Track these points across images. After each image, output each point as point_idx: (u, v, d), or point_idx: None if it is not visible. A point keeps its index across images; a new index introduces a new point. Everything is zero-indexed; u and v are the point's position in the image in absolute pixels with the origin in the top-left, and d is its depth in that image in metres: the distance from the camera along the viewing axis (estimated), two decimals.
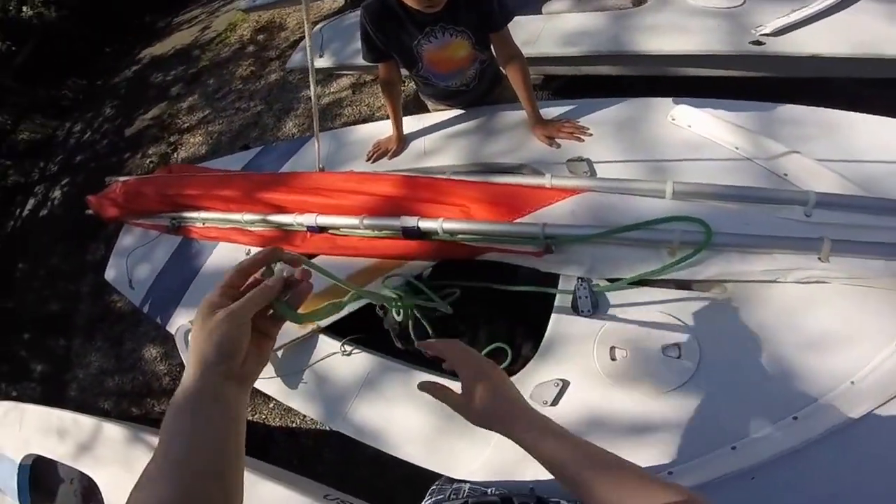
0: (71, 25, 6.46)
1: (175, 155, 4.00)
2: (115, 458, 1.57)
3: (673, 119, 1.25)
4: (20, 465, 1.75)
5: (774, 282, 0.92)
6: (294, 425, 2.15)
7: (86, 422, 1.67)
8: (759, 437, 0.80)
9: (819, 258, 0.87)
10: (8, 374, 3.52)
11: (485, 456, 0.98)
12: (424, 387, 0.64)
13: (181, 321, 1.55)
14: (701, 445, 0.84)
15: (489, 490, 0.79)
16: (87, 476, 1.60)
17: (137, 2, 6.73)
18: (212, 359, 0.45)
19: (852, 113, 1.16)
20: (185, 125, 4.23)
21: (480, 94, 1.54)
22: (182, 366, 2.53)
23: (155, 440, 1.53)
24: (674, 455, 0.85)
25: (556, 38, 1.91)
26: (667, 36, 1.73)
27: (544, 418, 0.58)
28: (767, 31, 1.60)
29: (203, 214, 1.59)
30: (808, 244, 0.87)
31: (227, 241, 1.57)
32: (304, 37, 3.45)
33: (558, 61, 1.95)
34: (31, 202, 5.00)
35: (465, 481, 0.88)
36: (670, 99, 1.29)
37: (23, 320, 3.79)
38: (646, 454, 0.87)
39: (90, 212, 2.03)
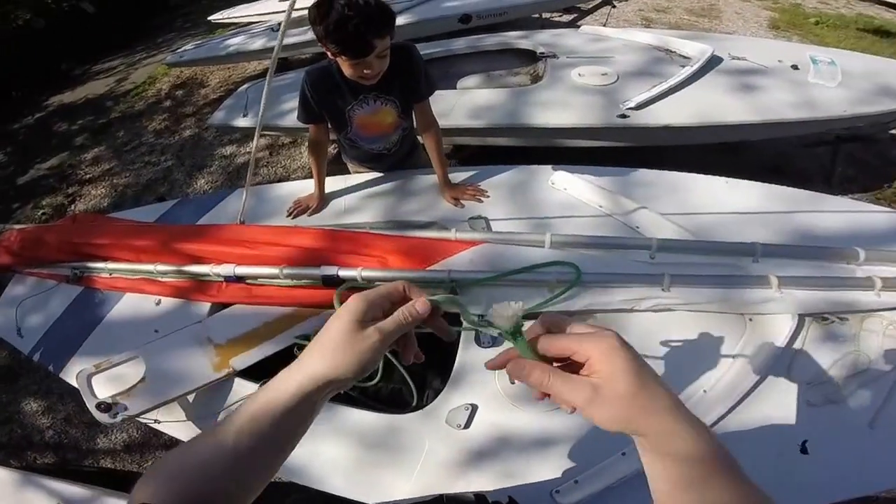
0: None
1: (73, 207, 3.70)
2: None
3: (552, 183, 1.52)
4: None
5: (632, 311, 1.14)
6: None
7: None
8: None
9: (662, 289, 1.12)
10: None
11: (411, 482, 1.05)
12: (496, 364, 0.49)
13: (80, 368, 1.45)
14: (595, 454, 0.99)
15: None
16: None
17: (56, 48, 6.31)
18: (345, 375, 0.45)
19: (689, 174, 1.50)
20: (87, 176, 3.96)
21: (400, 158, 1.71)
22: (79, 415, 2.31)
23: (48, 485, 1.42)
24: (576, 464, 0.99)
25: (466, 111, 2.15)
26: (552, 111, 2.03)
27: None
28: (632, 105, 1.91)
29: (110, 265, 1.54)
30: (653, 279, 1.12)
31: (135, 291, 1.53)
32: (225, 95, 3.53)
33: (467, 132, 2.19)
34: None
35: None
36: (550, 166, 1.57)
37: None
38: (552, 465, 1.00)
39: None
